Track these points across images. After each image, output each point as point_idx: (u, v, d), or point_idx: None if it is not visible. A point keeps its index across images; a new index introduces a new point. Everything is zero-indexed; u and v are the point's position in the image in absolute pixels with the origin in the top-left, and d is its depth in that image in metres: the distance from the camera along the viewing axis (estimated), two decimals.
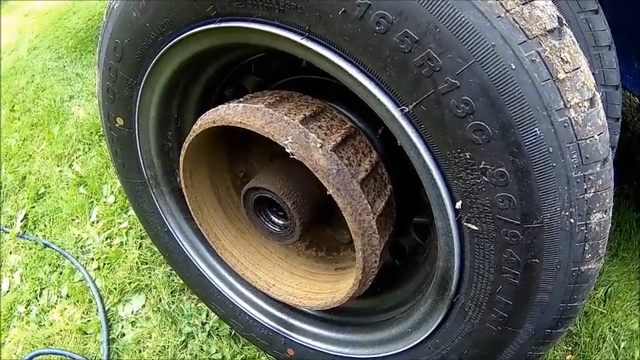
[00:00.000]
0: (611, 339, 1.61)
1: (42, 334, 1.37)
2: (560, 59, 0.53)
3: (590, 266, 0.65)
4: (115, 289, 1.41)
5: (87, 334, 1.36)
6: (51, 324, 1.41)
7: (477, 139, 0.55)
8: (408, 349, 0.87)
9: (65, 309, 1.44)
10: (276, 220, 0.91)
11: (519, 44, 0.51)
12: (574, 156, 0.55)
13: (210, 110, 0.85)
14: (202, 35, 0.77)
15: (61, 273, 1.52)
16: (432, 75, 0.54)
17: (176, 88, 0.96)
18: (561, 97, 0.53)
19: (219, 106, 0.84)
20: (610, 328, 1.63)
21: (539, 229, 0.59)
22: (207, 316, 1.30)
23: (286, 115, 0.74)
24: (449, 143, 0.58)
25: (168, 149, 1.07)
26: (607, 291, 1.70)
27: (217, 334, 1.26)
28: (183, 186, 0.98)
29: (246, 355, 1.22)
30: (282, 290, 0.97)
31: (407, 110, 0.59)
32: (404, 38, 0.55)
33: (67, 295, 1.46)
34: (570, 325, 0.78)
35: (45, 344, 1.35)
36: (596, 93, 0.57)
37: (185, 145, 0.90)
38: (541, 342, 0.74)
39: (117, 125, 1.06)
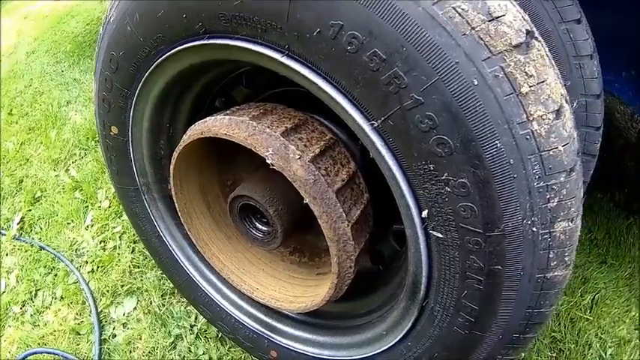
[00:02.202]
0: (598, 346, 1.63)
1: (36, 334, 1.42)
2: (524, 73, 0.56)
3: (556, 273, 0.68)
4: (108, 291, 1.46)
5: (80, 334, 1.40)
6: (45, 324, 1.45)
7: (439, 152, 0.60)
8: (383, 351, 0.91)
9: (59, 310, 1.48)
10: (260, 226, 0.97)
11: (483, 60, 0.55)
12: (536, 167, 0.58)
13: (199, 122, 0.90)
14: (192, 51, 0.82)
15: (55, 275, 1.57)
16: (399, 92, 0.59)
17: (168, 99, 1.01)
18: (524, 110, 0.56)
19: (207, 118, 0.89)
20: (596, 334, 1.66)
21: (501, 237, 0.63)
22: (195, 318, 1.34)
23: (269, 127, 0.79)
24: (414, 156, 0.63)
25: (161, 157, 1.13)
26: (594, 298, 1.73)
27: (205, 337, 1.31)
28: (173, 193, 1.03)
29: (232, 357, 1.27)
30: (265, 294, 1.02)
31: (376, 125, 0.64)
32: (373, 57, 0.59)
33: (62, 297, 1.51)
34: (540, 330, 0.81)
35: (39, 344, 1.39)
36: (564, 104, 0.60)
37: (175, 154, 0.95)
38: (510, 346, 0.78)
39: (112, 134, 1.11)
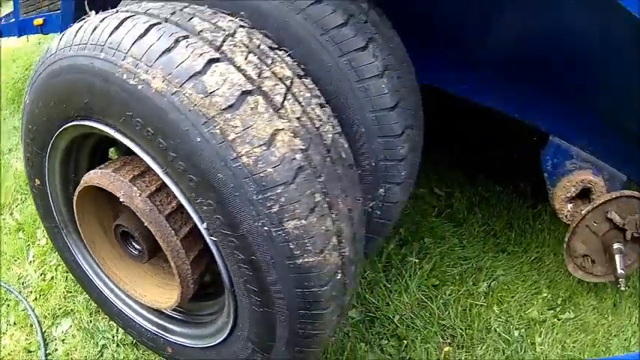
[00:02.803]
0: (500, 329, 2.01)
1: None
2: (231, 126, 1.00)
3: (306, 260, 1.08)
4: (49, 314, 2.03)
5: (30, 352, 1.95)
6: (4, 347, 2.00)
7: (192, 185, 1.10)
8: (228, 335, 1.41)
9: (13, 334, 2.04)
10: (135, 246, 1.53)
11: (202, 124, 1.01)
12: (252, 186, 1.01)
13: (86, 174, 1.49)
14: (74, 127, 1.39)
15: (8, 305, 2.14)
16: (165, 150, 1.10)
17: (70, 157, 1.59)
18: (234, 150, 1.00)
19: (91, 171, 1.47)
20: (497, 318, 2.03)
21: (244, 236, 1.08)
22: (116, 330, 1.89)
23: (122, 176, 1.36)
24: (186, 188, 1.13)
25: (72, 200, 1.71)
26: (490, 285, 2.13)
27: (124, 344, 1.86)
28: (78, 225, 1.61)
29: (146, 359, 1.82)
30: (150, 299, 1.57)
31: (164, 171, 1.16)
32: (148, 132, 1.11)
33: (14, 323, 2.07)
34: (328, 307, 1.19)
35: None
36: (279, 137, 1.03)
37: (74, 197, 1.54)
38: (304, 321, 1.19)
39: (36, 184, 1.71)
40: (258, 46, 1.15)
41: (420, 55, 1.60)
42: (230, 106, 1.03)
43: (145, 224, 1.32)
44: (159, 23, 1.14)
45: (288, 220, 1.06)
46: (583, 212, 1.78)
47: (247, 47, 1.13)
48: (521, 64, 1.60)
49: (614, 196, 1.76)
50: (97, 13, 1.34)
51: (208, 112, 1.03)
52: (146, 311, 1.70)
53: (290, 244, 1.08)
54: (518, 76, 1.66)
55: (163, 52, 1.09)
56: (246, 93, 1.05)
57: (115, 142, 1.66)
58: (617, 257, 1.82)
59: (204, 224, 1.19)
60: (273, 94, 1.09)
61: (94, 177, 1.42)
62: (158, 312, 1.67)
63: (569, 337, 2.09)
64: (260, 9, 1.25)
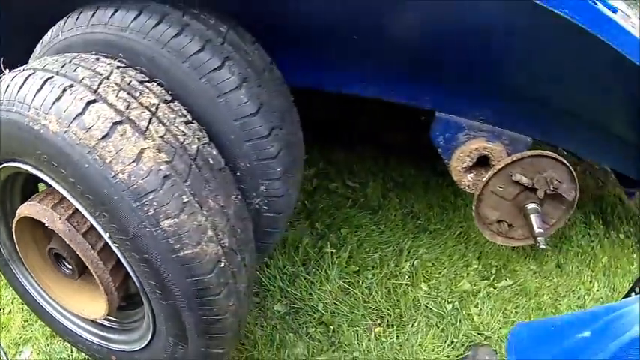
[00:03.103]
0: (431, 304, 2.21)
1: None
2: (106, 151, 1.28)
3: (187, 251, 1.35)
4: (13, 344, 2.35)
5: None
6: None
7: (90, 202, 1.42)
8: (152, 336, 1.74)
9: None
10: (67, 265, 1.88)
11: (87, 154, 1.29)
12: (130, 196, 1.28)
13: (19, 207, 1.85)
14: (4, 168, 1.76)
15: None
16: (66, 177, 1.42)
17: (5, 193, 1.94)
18: (112, 170, 1.27)
19: (22, 205, 1.84)
20: (425, 295, 2.23)
21: (135, 238, 1.34)
22: (71, 350, 2.22)
23: (45, 205, 1.71)
24: (88, 205, 1.47)
25: (12, 232, 2.07)
26: (413, 264, 2.34)
27: None
28: (18, 249, 1.96)
29: None
30: (88, 312, 1.91)
31: (71, 195, 1.54)
32: (53, 165, 1.44)
33: None
34: (220, 293, 1.47)
35: None
36: (145, 155, 1.30)
37: (12, 226, 1.90)
38: (202, 307, 1.45)
39: None
40: (129, 83, 1.52)
41: (292, 60, 1.90)
42: (105, 136, 1.36)
43: (68, 243, 1.67)
44: (51, 77, 1.51)
45: (163, 220, 1.34)
46: (484, 179, 1.98)
47: (119, 86, 1.49)
48: (394, 51, 1.83)
49: (514, 159, 1.94)
50: (10, 70, 1.73)
51: (90, 143, 1.37)
52: (88, 325, 2.03)
53: (169, 239, 1.35)
54: (391, 61, 1.89)
55: (54, 101, 1.44)
56: (116, 124, 1.38)
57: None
58: (533, 217, 1.99)
59: (107, 234, 1.53)
60: (139, 121, 1.42)
61: (24, 209, 1.78)
62: (98, 324, 2.00)
63: (510, 303, 2.27)
64: (134, 49, 1.62)
